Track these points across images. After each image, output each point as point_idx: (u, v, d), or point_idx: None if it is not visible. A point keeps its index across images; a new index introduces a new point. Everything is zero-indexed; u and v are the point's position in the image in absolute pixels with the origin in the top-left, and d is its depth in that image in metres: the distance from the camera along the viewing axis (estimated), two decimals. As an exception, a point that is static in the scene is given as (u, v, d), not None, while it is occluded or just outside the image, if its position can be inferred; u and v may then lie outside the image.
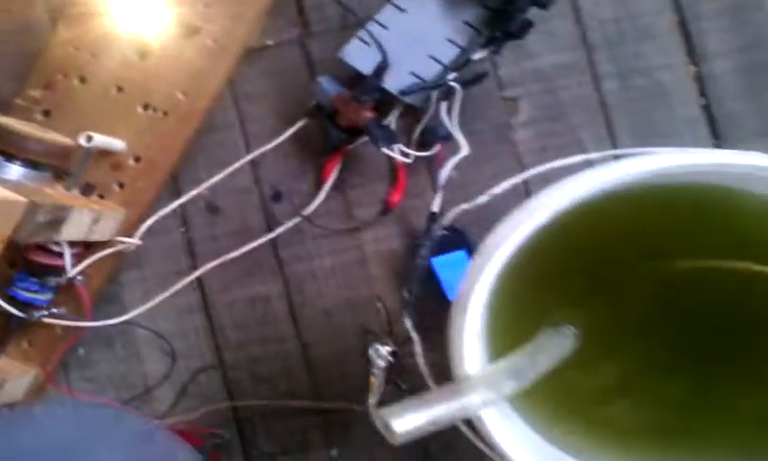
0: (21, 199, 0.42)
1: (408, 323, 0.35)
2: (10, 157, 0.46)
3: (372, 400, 0.29)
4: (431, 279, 0.49)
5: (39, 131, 0.48)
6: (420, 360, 0.36)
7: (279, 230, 0.53)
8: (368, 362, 0.35)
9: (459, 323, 0.31)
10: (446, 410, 0.28)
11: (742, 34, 0.50)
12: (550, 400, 0.36)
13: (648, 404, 0.36)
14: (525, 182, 0.46)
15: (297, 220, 0.53)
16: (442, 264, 0.49)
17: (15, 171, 0.46)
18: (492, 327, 0.36)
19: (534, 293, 0.37)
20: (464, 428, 0.34)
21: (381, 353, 0.31)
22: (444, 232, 0.48)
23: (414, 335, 0.35)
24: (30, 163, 0.47)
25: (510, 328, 0.36)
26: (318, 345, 0.54)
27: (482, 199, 0.36)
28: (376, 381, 0.31)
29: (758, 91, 0.50)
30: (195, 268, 0.54)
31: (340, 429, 0.54)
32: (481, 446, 0.33)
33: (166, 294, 0.54)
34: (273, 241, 0.54)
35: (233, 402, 0.55)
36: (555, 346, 0.33)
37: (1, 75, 0.56)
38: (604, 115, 0.51)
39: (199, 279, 0.54)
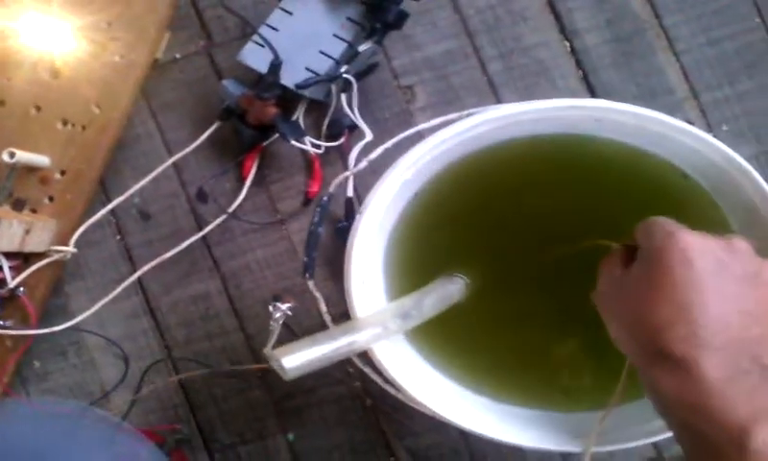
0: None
1: (310, 283, 0.39)
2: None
3: (269, 345, 0.33)
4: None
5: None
6: (327, 317, 0.39)
7: (208, 228, 0.56)
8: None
9: (346, 270, 0.35)
10: (335, 346, 0.32)
11: (605, 9, 0.55)
12: (442, 337, 0.39)
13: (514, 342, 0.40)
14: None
15: (223, 217, 0.56)
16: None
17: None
18: (393, 277, 0.40)
19: (431, 247, 0.41)
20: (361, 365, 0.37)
21: (280, 308, 0.34)
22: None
23: (316, 294, 0.39)
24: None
25: (410, 279, 0.40)
26: (260, 335, 0.57)
27: (362, 165, 0.39)
28: (274, 331, 0.34)
29: (629, 59, 0.54)
30: (135, 273, 0.57)
31: (293, 415, 0.56)
32: (375, 377, 0.36)
33: (108, 298, 0.56)
34: (205, 240, 0.57)
35: (187, 396, 0.57)
36: (443, 292, 0.37)
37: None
38: (494, 95, 0.55)
39: (140, 283, 0.57)
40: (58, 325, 0.56)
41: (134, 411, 0.56)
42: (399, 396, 0.38)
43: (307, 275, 0.40)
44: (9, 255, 0.53)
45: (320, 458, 0.56)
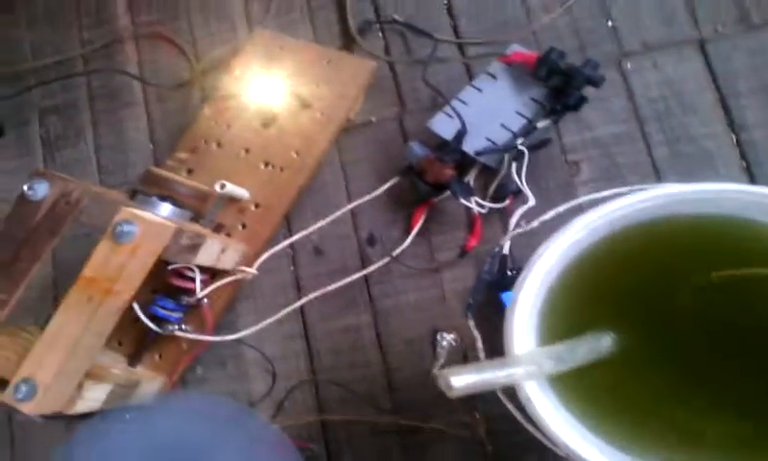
0: (171, 224, 0.54)
1: (471, 323, 0.43)
2: (163, 198, 0.58)
3: (437, 366, 0.37)
4: (500, 313, 0.56)
5: (186, 180, 0.61)
6: (481, 354, 0.43)
7: (372, 268, 0.62)
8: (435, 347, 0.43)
9: (509, 313, 0.38)
10: (494, 375, 0.35)
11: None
12: (585, 392, 0.42)
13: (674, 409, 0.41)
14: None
15: (386, 260, 0.62)
16: (509, 299, 0.56)
17: (165, 208, 0.57)
18: (545, 333, 0.43)
19: (583, 307, 0.44)
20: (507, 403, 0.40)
21: (445, 338, 0.39)
22: (513, 271, 0.57)
23: (475, 332, 0.43)
24: (176, 204, 0.58)
25: (560, 335, 0.43)
26: (400, 370, 0.61)
27: (533, 224, 0.44)
28: (441, 356, 0.39)
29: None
30: (300, 300, 0.63)
31: (418, 450, 0.59)
32: (517, 414, 0.39)
33: (273, 319, 0.62)
34: (366, 279, 0.63)
35: (323, 416, 0.62)
36: (594, 344, 0.40)
37: (161, 144, 0.72)
38: (656, 176, 0.58)
39: (302, 311, 0.64)
40: (226, 336, 0.62)
41: (274, 422, 0.61)
42: (539, 434, 0.39)
43: (468, 314, 0.44)
44: (201, 270, 0.60)
45: None
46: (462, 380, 0.34)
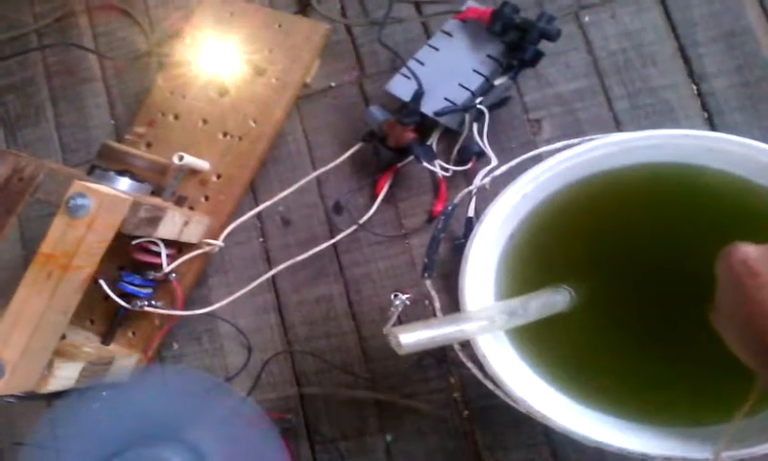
0: (126, 197, 0.53)
1: (427, 282, 0.43)
2: (121, 172, 0.57)
3: (389, 325, 0.37)
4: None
5: (142, 153, 0.60)
6: (439, 314, 0.43)
7: (339, 236, 0.62)
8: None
9: (462, 269, 0.38)
10: (444, 330, 0.35)
11: (735, 56, 0.56)
12: (543, 343, 0.42)
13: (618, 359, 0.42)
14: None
15: (354, 228, 0.62)
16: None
17: (124, 183, 0.57)
18: (502, 289, 0.43)
19: (540, 262, 0.44)
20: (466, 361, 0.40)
21: (400, 297, 0.39)
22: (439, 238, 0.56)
23: (432, 292, 0.43)
24: (135, 178, 0.58)
25: (518, 287, 0.43)
26: (374, 338, 0.61)
27: (485, 181, 0.43)
28: (394, 314, 0.39)
29: (755, 103, 0.56)
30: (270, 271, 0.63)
31: (393, 417, 0.59)
32: (477, 372, 0.39)
33: (244, 291, 0.61)
34: (335, 248, 0.62)
35: (301, 389, 0.62)
36: (549, 299, 0.40)
37: (122, 118, 0.71)
38: (617, 130, 0.58)
39: (273, 282, 0.63)
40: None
41: (251, 396, 0.62)
42: (498, 392, 0.40)
43: (426, 275, 0.44)
44: (166, 244, 0.60)
45: (413, 459, 0.58)
46: (411, 337, 0.34)
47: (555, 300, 0.40)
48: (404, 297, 0.40)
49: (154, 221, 0.55)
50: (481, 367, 0.40)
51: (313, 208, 0.64)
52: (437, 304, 0.43)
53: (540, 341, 0.42)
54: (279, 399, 0.62)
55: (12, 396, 0.51)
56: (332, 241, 0.62)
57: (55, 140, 0.73)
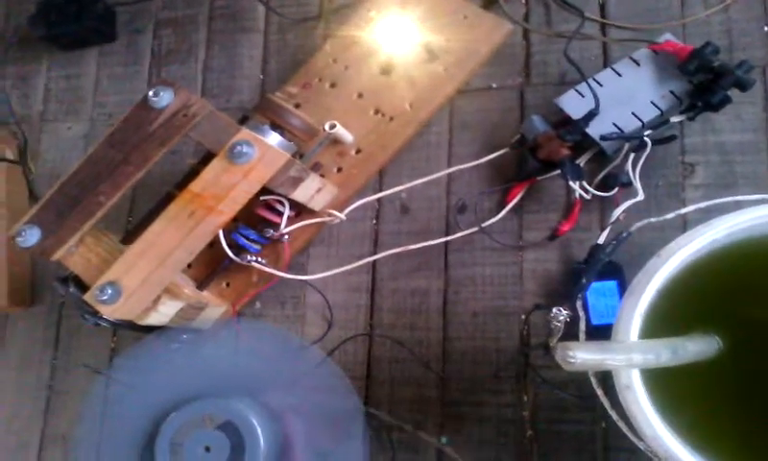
0: (285, 154, 0.54)
1: (578, 303, 0.42)
2: (274, 127, 0.58)
3: (554, 340, 0.37)
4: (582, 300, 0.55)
5: (301, 113, 0.61)
6: (582, 336, 0.43)
7: (457, 234, 0.61)
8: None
9: (631, 299, 0.38)
10: (614, 356, 0.35)
11: None
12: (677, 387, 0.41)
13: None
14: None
15: (474, 230, 0.61)
16: (593, 290, 0.55)
17: (274, 138, 0.58)
18: (652, 324, 0.42)
19: (688, 310, 0.43)
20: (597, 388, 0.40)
21: (562, 312, 0.39)
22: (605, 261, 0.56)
23: (581, 313, 0.42)
24: (284, 135, 0.59)
25: (666, 329, 0.42)
26: (458, 340, 0.60)
27: (668, 215, 0.43)
28: (558, 330, 0.38)
29: None
30: (375, 255, 0.63)
31: (455, 421, 0.58)
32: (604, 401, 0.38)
33: (344, 269, 0.62)
34: (446, 245, 0.62)
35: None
36: (703, 345, 0.39)
37: (271, 75, 0.73)
38: (772, 192, 0.56)
39: (374, 265, 0.63)
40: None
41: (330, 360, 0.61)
42: (623, 424, 0.39)
43: (579, 295, 0.43)
44: (291, 206, 0.60)
45: None
46: (583, 355, 0.34)
47: (707, 347, 0.40)
48: (565, 313, 0.40)
49: (296, 182, 0.56)
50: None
51: (436, 202, 0.64)
52: (582, 326, 0.43)
53: (670, 385, 0.41)
54: (347, 377, 0.60)
55: (108, 319, 0.53)
56: (448, 238, 0.61)
57: (198, 82, 0.75)
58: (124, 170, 0.54)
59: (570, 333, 0.43)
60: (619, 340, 0.38)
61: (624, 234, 0.45)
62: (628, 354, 0.35)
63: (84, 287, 0.53)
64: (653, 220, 0.46)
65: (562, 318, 0.39)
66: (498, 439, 0.57)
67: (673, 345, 0.37)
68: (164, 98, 0.54)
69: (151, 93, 0.54)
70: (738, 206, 0.41)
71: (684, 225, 0.54)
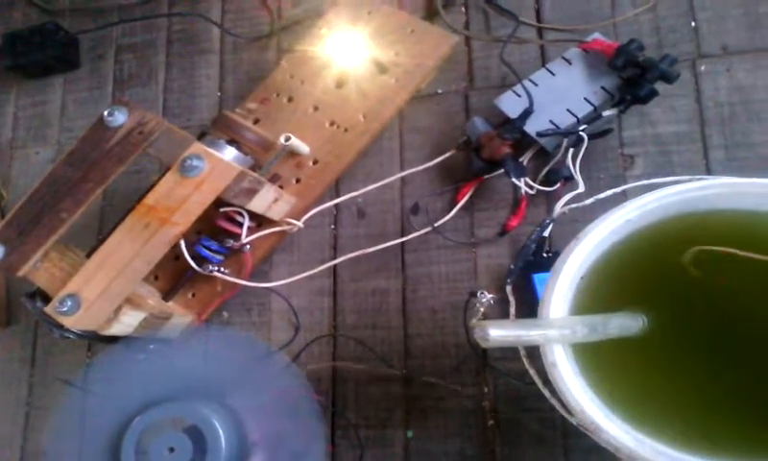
0: (237, 167, 0.56)
1: (508, 288, 0.44)
2: (230, 142, 0.60)
3: (475, 319, 0.38)
4: (529, 290, 0.58)
5: (255, 127, 0.64)
6: (512, 317, 0.44)
7: (411, 236, 0.63)
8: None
9: (552, 281, 0.40)
10: (529, 332, 0.37)
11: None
12: (605, 362, 0.42)
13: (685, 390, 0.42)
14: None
15: (428, 229, 0.63)
16: (541, 280, 0.57)
17: (230, 152, 0.60)
18: (577, 309, 0.44)
19: (613, 291, 0.45)
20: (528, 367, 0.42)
21: (486, 296, 0.41)
22: (550, 254, 0.58)
23: (511, 297, 0.44)
24: (241, 150, 0.61)
25: (594, 308, 0.44)
26: (418, 337, 0.62)
27: (584, 203, 0.45)
28: (478, 311, 0.40)
29: None
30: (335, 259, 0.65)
31: (419, 415, 0.60)
32: (536, 378, 0.40)
33: (306, 274, 0.64)
34: (402, 246, 0.64)
35: (335, 363, 0.63)
36: (625, 322, 0.41)
37: (228, 93, 0.75)
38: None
39: (335, 269, 0.65)
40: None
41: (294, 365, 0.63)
42: (555, 401, 0.40)
43: (508, 280, 0.45)
44: (250, 217, 0.62)
45: (428, 459, 0.59)
46: (499, 332, 0.36)
47: (631, 323, 0.42)
48: (489, 296, 0.42)
49: (251, 193, 0.58)
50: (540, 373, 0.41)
51: (390, 205, 0.66)
52: (512, 310, 0.45)
53: (599, 361, 0.43)
54: (312, 378, 0.63)
55: (73, 331, 0.54)
56: (404, 239, 0.64)
57: (159, 102, 0.77)
58: (83, 187, 0.56)
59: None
60: (545, 316, 0.40)
61: (547, 221, 0.47)
62: (543, 330, 0.37)
63: (49, 301, 0.55)
64: (587, 203, 0.47)
65: (484, 300, 0.41)
66: (462, 430, 0.58)
67: (592, 321, 0.39)
68: (119, 117, 0.56)
69: (106, 113, 0.56)
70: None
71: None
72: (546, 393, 0.41)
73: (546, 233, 0.58)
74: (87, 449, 0.59)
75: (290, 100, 0.70)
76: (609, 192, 0.46)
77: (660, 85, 0.57)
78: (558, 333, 0.37)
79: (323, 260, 0.65)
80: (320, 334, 0.64)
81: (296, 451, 0.57)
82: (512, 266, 0.45)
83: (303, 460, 0.57)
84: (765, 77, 0.59)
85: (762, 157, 0.57)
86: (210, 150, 0.55)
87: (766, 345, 0.40)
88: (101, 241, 0.60)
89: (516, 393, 0.58)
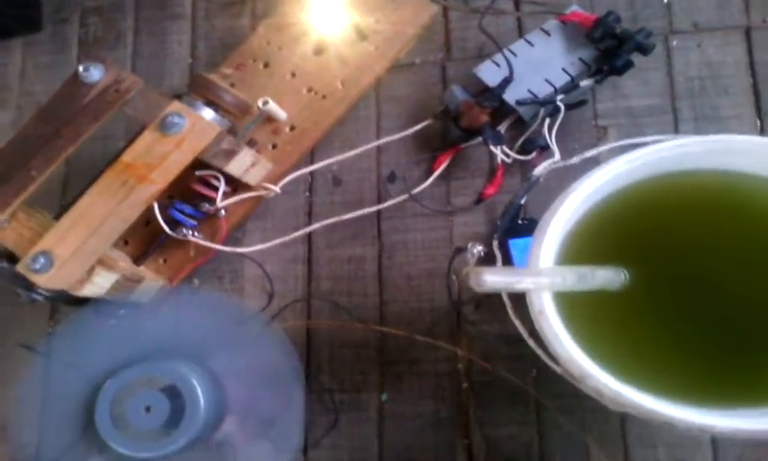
0: (217, 126, 0.55)
1: (494, 243, 0.45)
2: (207, 103, 0.59)
3: (468, 268, 0.39)
4: (505, 255, 0.59)
5: (232, 89, 0.63)
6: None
7: (388, 203, 0.64)
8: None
9: (540, 231, 0.41)
10: (522, 278, 0.38)
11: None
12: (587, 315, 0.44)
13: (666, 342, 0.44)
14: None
15: (404, 197, 0.64)
16: (516, 245, 0.59)
17: (208, 113, 0.59)
18: (566, 258, 0.46)
19: (597, 248, 0.46)
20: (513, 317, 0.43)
21: (477, 247, 0.42)
22: (524, 221, 0.59)
23: (497, 252, 0.45)
24: (218, 112, 0.60)
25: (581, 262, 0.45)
26: (394, 303, 0.62)
27: (572, 160, 0.46)
28: (470, 261, 0.41)
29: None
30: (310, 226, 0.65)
31: (394, 378, 0.60)
32: (520, 328, 0.41)
33: (280, 241, 0.63)
34: (378, 214, 0.64)
35: (308, 322, 0.63)
36: (611, 275, 0.42)
37: (200, 59, 0.74)
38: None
39: (309, 236, 0.65)
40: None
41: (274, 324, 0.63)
42: (540, 350, 0.41)
43: (495, 235, 0.46)
44: (226, 181, 0.62)
45: (403, 421, 0.60)
46: (493, 277, 0.36)
47: (614, 277, 0.43)
48: (480, 247, 0.43)
49: (229, 154, 0.58)
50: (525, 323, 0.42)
51: (366, 173, 0.66)
52: (499, 264, 0.46)
53: (584, 312, 0.44)
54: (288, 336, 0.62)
55: (41, 292, 0.53)
56: (380, 206, 0.64)
57: (128, 67, 0.75)
58: (55, 144, 0.54)
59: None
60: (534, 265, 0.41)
61: (532, 179, 0.48)
62: (536, 277, 0.38)
63: (16, 262, 0.53)
64: (560, 164, 0.49)
65: (476, 251, 0.42)
66: (436, 393, 0.59)
67: (580, 271, 0.40)
68: (95, 73, 0.54)
69: (81, 68, 0.54)
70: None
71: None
72: (531, 343, 0.42)
73: (522, 201, 0.60)
74: (52, 418, 0.57)
75: (266, 66, 0.69)
76: (587, 154, 0.47)
77: (635, 58, 0.58)
78: (549, 281, 0.38)
79: (297, 227, 0.65)
80: (293, 299, 0.64)
81: (270, 416, 0.57)
82: (498, 221, 0.46)
83: (278, 425, 0.57)
84: (734, 53, 0.62)
85: (728, 130, 0.59)
86: (191, 108, 0.54)
87: (739, 298, 0.42)
88: (69, 203, 0.59)
89: (490, 355, 0.59)
